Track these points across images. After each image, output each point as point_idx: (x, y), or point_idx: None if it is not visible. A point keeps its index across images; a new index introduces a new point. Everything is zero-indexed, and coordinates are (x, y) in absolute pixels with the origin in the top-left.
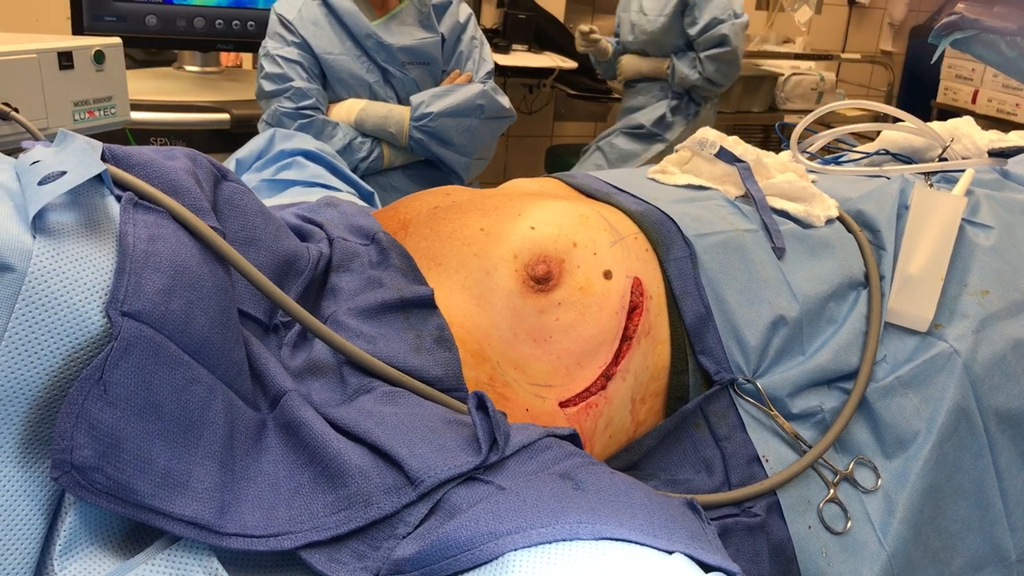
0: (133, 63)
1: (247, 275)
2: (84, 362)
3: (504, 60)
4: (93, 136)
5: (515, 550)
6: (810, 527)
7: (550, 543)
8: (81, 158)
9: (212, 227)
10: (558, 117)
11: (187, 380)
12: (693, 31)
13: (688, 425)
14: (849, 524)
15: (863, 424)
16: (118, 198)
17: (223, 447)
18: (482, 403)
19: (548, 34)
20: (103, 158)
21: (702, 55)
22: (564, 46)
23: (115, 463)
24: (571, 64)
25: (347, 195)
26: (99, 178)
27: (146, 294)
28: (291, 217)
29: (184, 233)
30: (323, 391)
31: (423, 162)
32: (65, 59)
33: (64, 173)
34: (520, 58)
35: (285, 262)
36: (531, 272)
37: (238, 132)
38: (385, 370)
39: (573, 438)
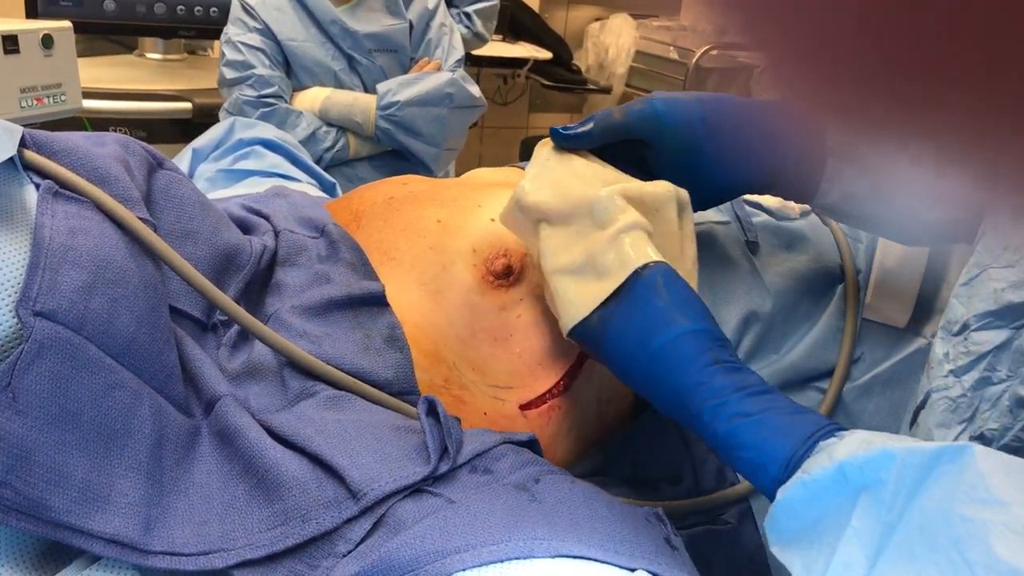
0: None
1: (178, 270)
2: None
3: (478, 50)
4: (44, 125)
5: (463, 570)
6: None
7: (502, 562)
8: None
9: (141, 218)
10: (533, 108)
11: (109, 385)
12: None
13: (657, 428)
14: None
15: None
16: (39, 187)
17: (150, 457)
18: (433, 408)
19: (523, 24)
20: (23, 143)
21: (468, 9)
22: (539, 36)
23: (25, 477)
24: (546, 54)
25: (304, 186)
26: (16, 166)
27: (63, 292)
28: (236, 208)
29: (109, 225)
30: (262, 396)
31: (391, 153)
32: (10, 43)
33: None
34: (494, 48)
35: (225, 256)
36: (490, 267)
37: (200, 121)
38: (329, 372)
39: (532, 444)
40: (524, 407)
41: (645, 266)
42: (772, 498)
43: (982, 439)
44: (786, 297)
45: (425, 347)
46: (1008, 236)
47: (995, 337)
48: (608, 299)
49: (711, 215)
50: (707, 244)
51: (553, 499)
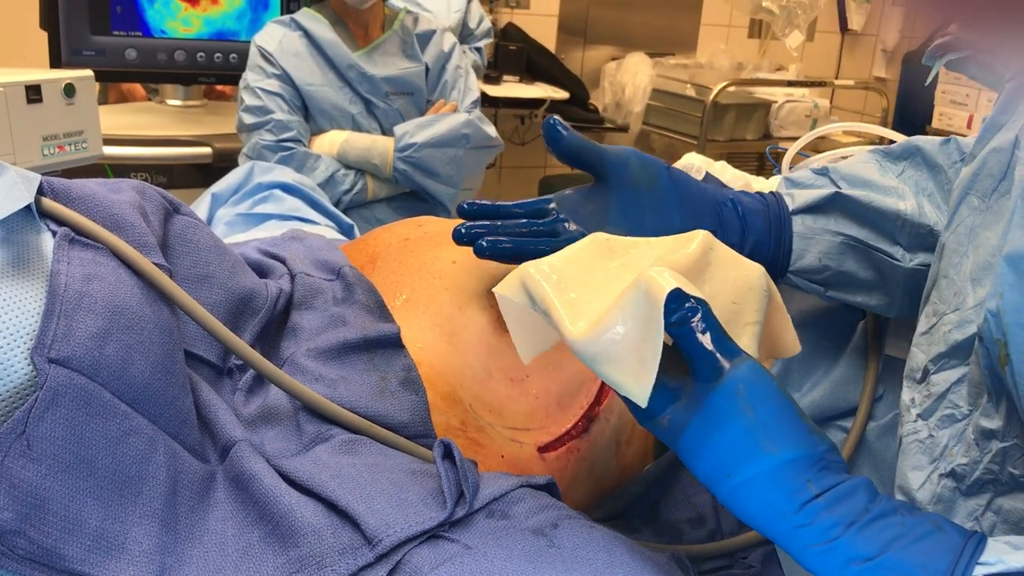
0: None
1: (193, 315)
2: (6, 415)
3: (495, 91)
4: (66, 172)
5: None
6: None
7: None
8: (8, 192)
9: (157, 264)
10: None
11: (123, 432)
12: (473, 23)
13: (677, 469)
14: None
15: (863, 465)
16: (55, 234)
17: (164, 504)
18: (448, 452)
19: (539, 65)
20: (40, 191)
21: (477, 45)
22: (556, 77)
23: (39, 526)
24: (563, 95)
25: (322, 228)
26: (33, 213)
27: (77, 338)
28: (252, 252)
29: (125, 271)
30: (277, 440)
31: (408, 194)
32: (33, 92)
33: None
34: (511, 89)
35: (241, 300)
36: None
37: (220, 166)
38: (345, 416)
39: (550, 487)
40: (542, 449)
41: (718, 368)
42: None
43: (954, 475)
44: (807, 334)
45: (441, 389)
46: (955, 285)
47: (952, 375)
48: (677, 399)
49: None
50: None
51: (572, 544)
